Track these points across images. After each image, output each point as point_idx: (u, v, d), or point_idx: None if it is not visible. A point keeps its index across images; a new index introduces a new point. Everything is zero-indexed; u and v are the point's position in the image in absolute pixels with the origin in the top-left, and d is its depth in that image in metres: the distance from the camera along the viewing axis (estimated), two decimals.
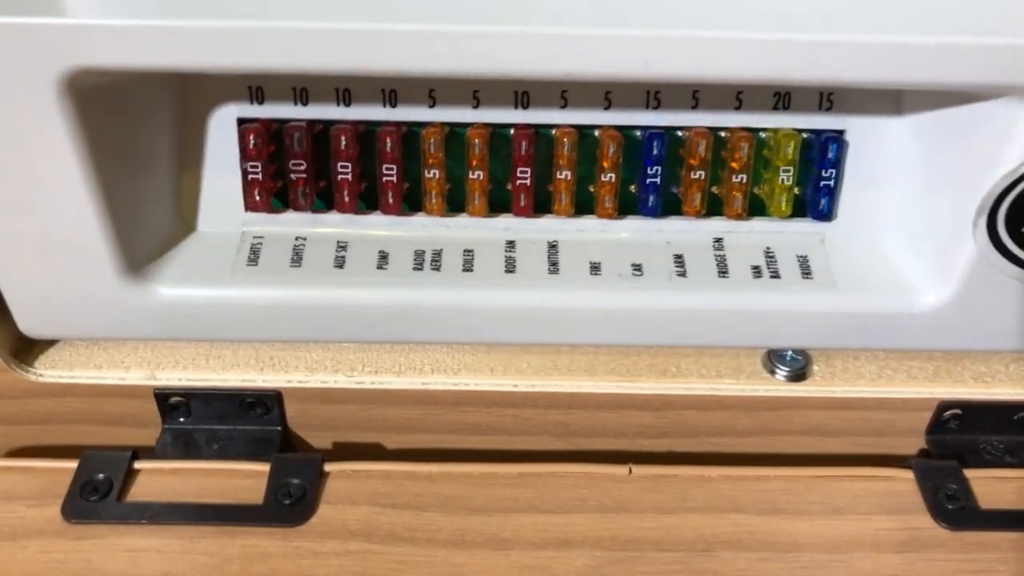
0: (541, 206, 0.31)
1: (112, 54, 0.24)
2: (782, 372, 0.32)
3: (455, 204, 0.31)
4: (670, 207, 0.31)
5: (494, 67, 0.24)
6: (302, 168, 0.29)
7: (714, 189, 0.31)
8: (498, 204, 0.31)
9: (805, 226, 0.31)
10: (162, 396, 0.31)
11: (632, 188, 0.31)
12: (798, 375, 0.32)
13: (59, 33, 0.24)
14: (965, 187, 0.28)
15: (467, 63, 0.24)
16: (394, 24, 0.23)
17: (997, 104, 0.26)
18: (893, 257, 0.30)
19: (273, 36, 0.24)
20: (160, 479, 0.29)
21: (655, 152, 0.29)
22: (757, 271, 0.30)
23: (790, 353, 0.32)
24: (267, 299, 0.29)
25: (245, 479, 0.29)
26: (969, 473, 0.30)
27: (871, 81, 0.25)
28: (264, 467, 0.29)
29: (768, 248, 0.31)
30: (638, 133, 0.30)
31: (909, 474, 0.30)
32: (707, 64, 0.24)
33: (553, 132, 0.30)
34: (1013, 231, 0.28)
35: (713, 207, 0.31)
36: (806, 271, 0.30)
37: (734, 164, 0.30)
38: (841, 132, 0.30)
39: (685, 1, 0.25)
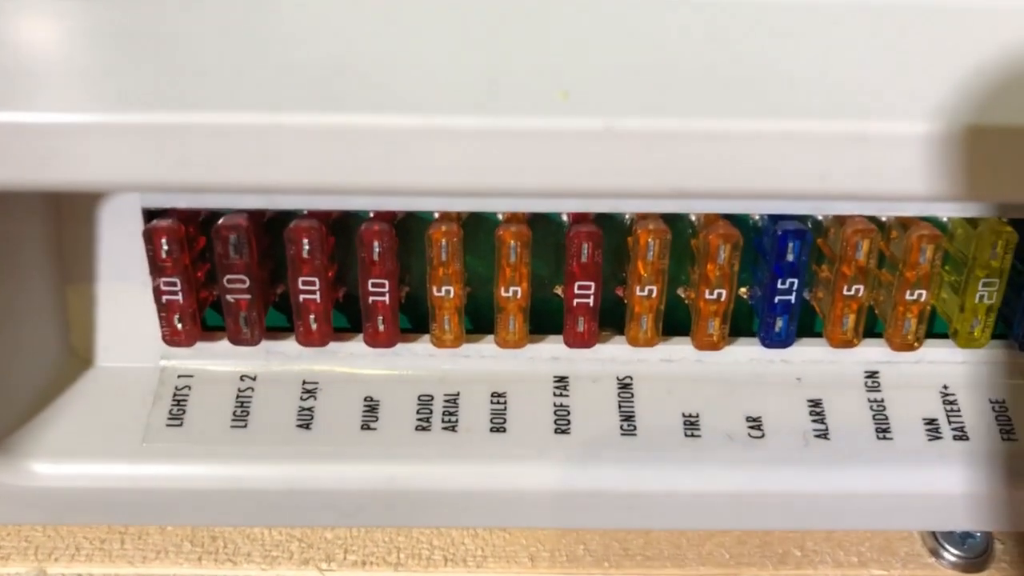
0: (606, 317, 0.20)
1: None
2: (951, 555, 0.22)
3: (476, 323, 0.21)
4: (800, 325, 0.21)
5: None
6: (244, 287, 0.19)
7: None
8: (541, 318, 0.21)
9: (1000, 355, 0.21)
10: None
11: (743, 293, 0.21)
12: (975, 562, 0.22)
13: None
14: None
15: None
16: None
17: None
18: None
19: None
20: None
21: (789, 258, 0.19)
22: (933, 428, 0.20)
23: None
24: (199, 478, 0.19)
25: None
26: None
27: None
28: None
29: (945, 388, 0.21)
30: (756, 218, 0.20)
31: None
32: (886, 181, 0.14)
33: (627, 219, 0.19)
34: None
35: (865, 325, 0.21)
36: (1006, 428, 0.20)
37: (908, 274, 0.19)
38: None
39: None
